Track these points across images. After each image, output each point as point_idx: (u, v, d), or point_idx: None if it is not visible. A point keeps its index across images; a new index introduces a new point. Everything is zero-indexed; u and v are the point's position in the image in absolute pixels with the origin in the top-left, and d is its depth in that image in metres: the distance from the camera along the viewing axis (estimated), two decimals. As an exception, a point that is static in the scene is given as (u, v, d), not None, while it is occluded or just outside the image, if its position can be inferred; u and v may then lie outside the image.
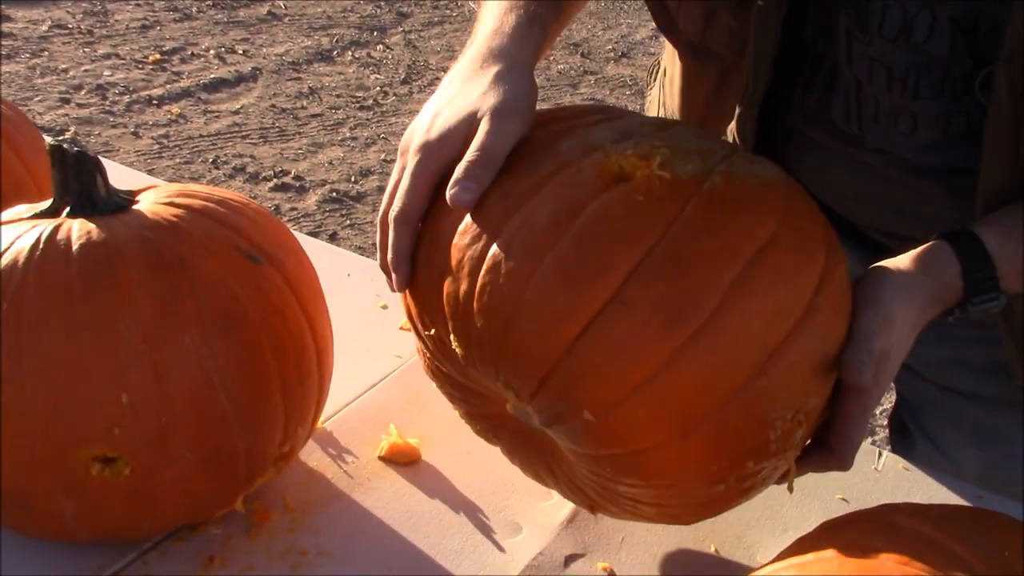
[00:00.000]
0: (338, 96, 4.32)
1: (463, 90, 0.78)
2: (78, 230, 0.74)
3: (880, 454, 0.97)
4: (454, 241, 0.70)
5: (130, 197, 0.81)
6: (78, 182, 0.79)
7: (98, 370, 0.70)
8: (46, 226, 0.75)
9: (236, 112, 4.07)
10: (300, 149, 3.81)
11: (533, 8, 0.86)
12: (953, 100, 0.85)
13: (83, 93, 4.09)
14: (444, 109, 0.78)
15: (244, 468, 0.79)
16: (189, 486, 0.75)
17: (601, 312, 0.63)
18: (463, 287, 0.68)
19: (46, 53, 4.43)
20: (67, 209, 0.78)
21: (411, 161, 0.76)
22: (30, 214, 0.79)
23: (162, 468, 0.73)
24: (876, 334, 0.69)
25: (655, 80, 1.21)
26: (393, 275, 0.77)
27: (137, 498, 0.74)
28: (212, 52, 4.63)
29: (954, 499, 0.90)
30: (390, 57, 4.82)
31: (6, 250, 0.73)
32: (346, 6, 5.44)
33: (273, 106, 4.16)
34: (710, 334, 0.62)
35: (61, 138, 0.75)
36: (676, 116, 1.07)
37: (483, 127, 0.73)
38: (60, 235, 0.74)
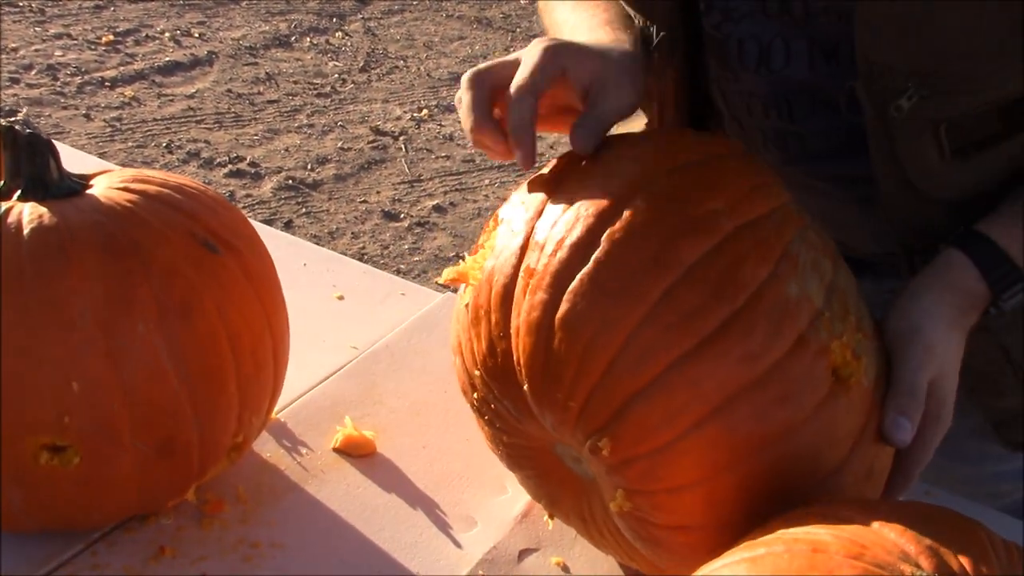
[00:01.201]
0: (295, 82, 4.28)
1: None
2: (29, 213, 0.73)
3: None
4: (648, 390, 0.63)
5: (84, 181, 0.80)
6: (30, 165, 0.77)
7: (49, 356, 0.69)
8: (-3, 209, 0.73)
9: (191, 96, 4.01)
10: (256, 135, 3.77)
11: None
12: (830, 115, 0.87)
13: (33, 73, 4.00)
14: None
15: (197, 458, 0.78)
16: (141, 476, 0.74)
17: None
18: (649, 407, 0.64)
19: (-5, 31, 4.34)
20: (18, 192, 0.77)
21: (526, 59, 0.74)
22: (-20, 197, 0.78)
23: (113, 457, 0.72)
24: (921, 368, 0.71)
25: None
26: (517, 151, 0.72)
27: (87, 487, 0.73)
28: (167, 35, 4.56)
29: (904, 495, 0.92)
30: (349, 44, 4.78)
31: (-45, 233, 0.72)
32: (305, -9, 5.39)
33: (229, 91, 4.10)
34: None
35: (13, 120, 0.73)
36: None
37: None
38: (11, 218, 0.72)
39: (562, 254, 0.66)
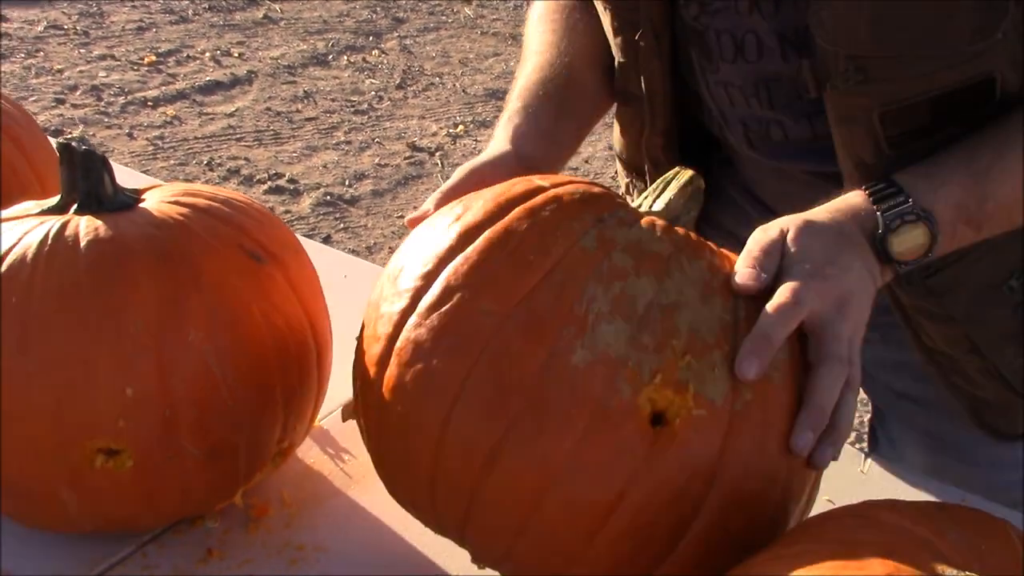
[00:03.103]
0: (333, 100, 4.34)
1: None
2: (86, 226, 0.76)
3: (865, 458, 0.98)
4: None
5: (136, 195, 0.83)
6: (86, 180, 0.80)
7: (104, 363, 0.71)
8: (54, 222, 0.76)
9: (231, 115, 4.08)
10: (295, 152, 3.83)
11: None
12: (810, 102, 0.88)
13: (78, 94, 4.10)
14: None
15: (244, 463, 0.80)
16: (190, 479, 0.77)
17: None
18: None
19: (41, 53, 4.44)
20: (74, 206, 0.80)
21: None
22: (37, 211, 0.81)
23: (164, 461, 0.74)
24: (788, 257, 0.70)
25: None
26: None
27: (139, 490, 0.75)
28: (207, 55, 4.65)
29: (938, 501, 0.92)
30: (385, 62, 4.84)
31: (15, 245, 0.75)
32: (342, 11, 5.45)
33: (268, 109, 4.17)
34: None
35: (69, 136, 0.76)
36: (618, 145, 1.13)
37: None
38: (68, 231, 0.75)
39: (378, 347, 0.68)
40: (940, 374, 0.99)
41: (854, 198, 0.77)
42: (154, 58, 4.52)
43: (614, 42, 0.98)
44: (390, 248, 3.21)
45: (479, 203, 0.70)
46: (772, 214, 1.05)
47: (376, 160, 3.82)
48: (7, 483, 0.75)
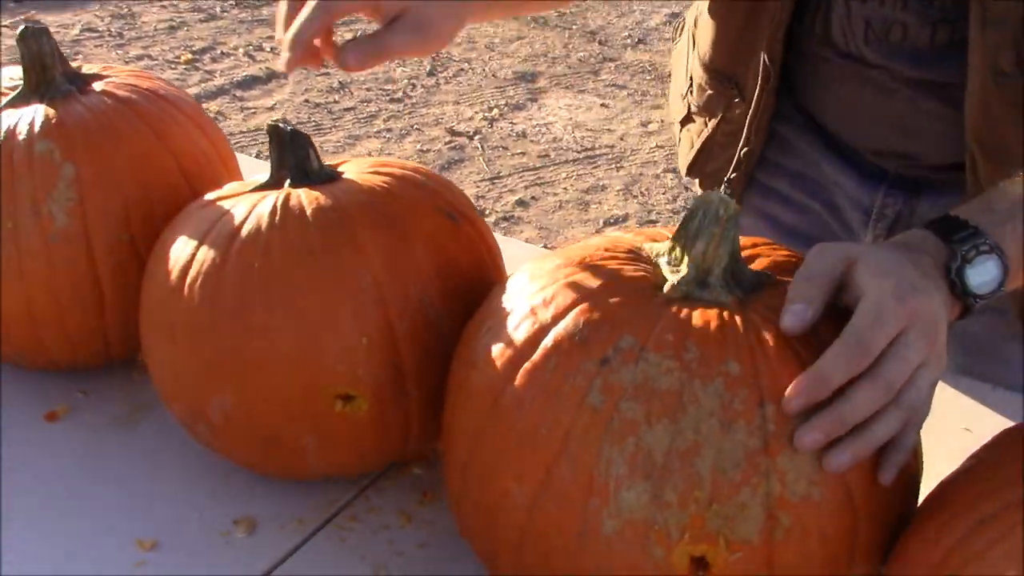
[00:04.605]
0: (368, 89, 4.40)
1: None
2: (307, 197, 0.84)
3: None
4: None
5: (335, 170, 0.90)
6: (293, 156, 0.88)
7: (342, 315, 0.79)
8: (276, 195, 0.84)
9: (272, 108, 4.15)
10: (338, 142, 3.90)
11: None
12: (940, 8, 0.93)
13: (120, 94, 4.17)
14: None
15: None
16: (411, 422, 0.84)
17: None
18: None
19: (80, 56, 4.50)
20: (286, 181, 0.87)
21: None
22: (251, 188, 0.88)
23: (393, 405, 0.82)
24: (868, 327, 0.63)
25: (680, 36, 1.30)
26: (284, 52, 0.83)
27: (371, 433, 0.83)
28: (241, 50, 4.71)
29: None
30: (414, 50, 4.89)
31: (248, 216, 0.82)
32: (365, 2, 5.51)
33: (307, 101, 4.24)
34: None
35: (275, 120, 0.83)
36: (707, 54, 1.15)
37: None
38: (292, 201, 0.83)
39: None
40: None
41: (917, 233, 0.73)
42: (190, 56, 4.58)
43: None
44: (443, 230, 3.28)
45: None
46: (818, 136, 1.12)
47: (418, 146, 3.88)
48: (256, 434, 0.82)
